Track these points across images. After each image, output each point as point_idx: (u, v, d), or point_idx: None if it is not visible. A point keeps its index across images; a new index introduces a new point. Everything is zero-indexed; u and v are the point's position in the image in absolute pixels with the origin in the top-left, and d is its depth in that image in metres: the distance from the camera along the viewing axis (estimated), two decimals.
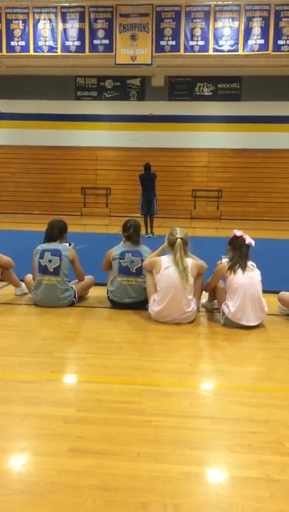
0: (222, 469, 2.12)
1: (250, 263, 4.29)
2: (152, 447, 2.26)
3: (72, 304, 4.71)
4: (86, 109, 16.67)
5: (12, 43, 13.57)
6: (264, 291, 4.26)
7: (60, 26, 13.33)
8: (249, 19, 12.85)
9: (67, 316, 4.45)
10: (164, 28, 13.13)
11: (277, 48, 12.88)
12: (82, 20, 13.28)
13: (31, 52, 13.59)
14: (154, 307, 4.30)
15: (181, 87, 16.37)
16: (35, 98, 16.39)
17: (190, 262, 4.29)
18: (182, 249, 4.27)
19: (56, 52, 13.50)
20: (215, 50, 13.07)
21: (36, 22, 13.39)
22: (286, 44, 12.84)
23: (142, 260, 4.60)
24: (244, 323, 4.14)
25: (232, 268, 4.22)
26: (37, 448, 2.24)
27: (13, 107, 16.65)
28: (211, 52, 13.11)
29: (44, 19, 13.37)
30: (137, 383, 2.99)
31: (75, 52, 13.51)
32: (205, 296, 4.79)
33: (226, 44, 13.02)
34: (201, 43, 13.07)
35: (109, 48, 13.35)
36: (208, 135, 16.38)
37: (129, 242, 4.82)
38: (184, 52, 13.18)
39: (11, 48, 13.61)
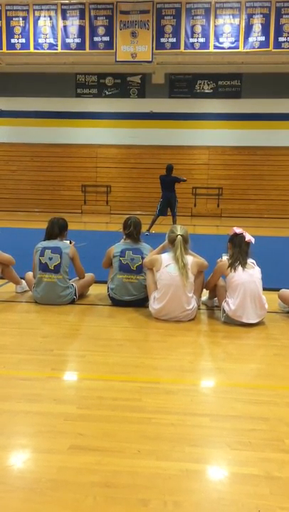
0: (222, 466, 2.13)
1: (250, 260, 4.30)
2: (152, 444, 2.26)
3: (72, 302, 4.71)
4: (86, 106, 16.64)
5: (12, 41, 13.55)
6: (264, 289, 4.27)
7: (61, 23, 13.30)
8: (250, 16, 12.81)
9: (67, 314, 4.46)
10: (165, 25, 13.10)
11: (277, 45, 12.84)
12: (82, 17, 13.25)
13: (31, 50, 13.57)
14: (154, 305, 4.30)
15: (181, 85, 16.34)
16: (35, 95, 16.39)
17: (190, 259, 4.29)
18: (183, 247, 4.26)
19: (56, 49, 13.47)
20: (215, 47, 13.03)
21: (36, 19, 13.37)
22: (287, 41, 12.80)
23: (143, 258, 4.60)
24: (244, 320, 4.14)
25: (232, 265, 4.22)
26: (38, 445, 2.25)
27: (13, 104, 16.63)
28: (211, 49, 13.07)
29: (44, 16, 13.34)
30: (138, 381, 2.99)
31: (75, 49, 13.48)
32: (205, 294, 4.79)
33: (226, 41, 12.98)
34: (202, 40, 13.03)
35: (109, 45, 13.32)
36: (208, 132, 16.35)
37: (130, 239, 4.82)
38: (185, 49, 13.15)
39: (11, 46, 13.58)
